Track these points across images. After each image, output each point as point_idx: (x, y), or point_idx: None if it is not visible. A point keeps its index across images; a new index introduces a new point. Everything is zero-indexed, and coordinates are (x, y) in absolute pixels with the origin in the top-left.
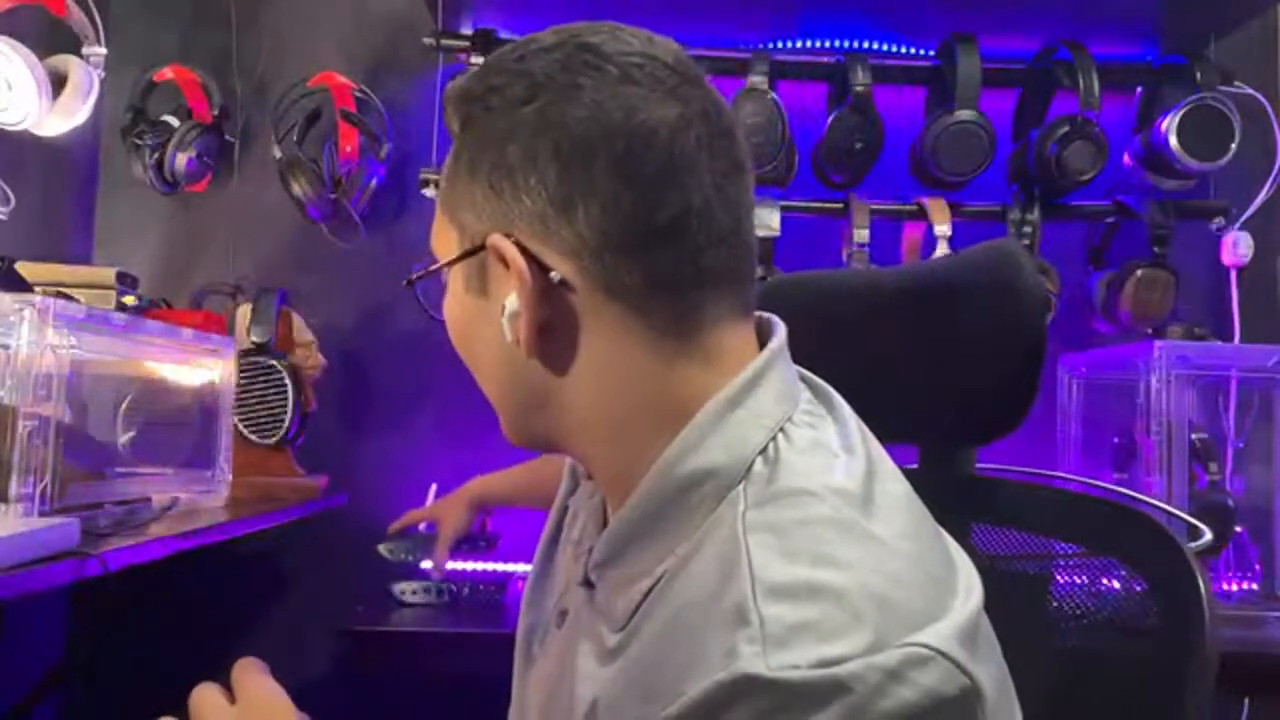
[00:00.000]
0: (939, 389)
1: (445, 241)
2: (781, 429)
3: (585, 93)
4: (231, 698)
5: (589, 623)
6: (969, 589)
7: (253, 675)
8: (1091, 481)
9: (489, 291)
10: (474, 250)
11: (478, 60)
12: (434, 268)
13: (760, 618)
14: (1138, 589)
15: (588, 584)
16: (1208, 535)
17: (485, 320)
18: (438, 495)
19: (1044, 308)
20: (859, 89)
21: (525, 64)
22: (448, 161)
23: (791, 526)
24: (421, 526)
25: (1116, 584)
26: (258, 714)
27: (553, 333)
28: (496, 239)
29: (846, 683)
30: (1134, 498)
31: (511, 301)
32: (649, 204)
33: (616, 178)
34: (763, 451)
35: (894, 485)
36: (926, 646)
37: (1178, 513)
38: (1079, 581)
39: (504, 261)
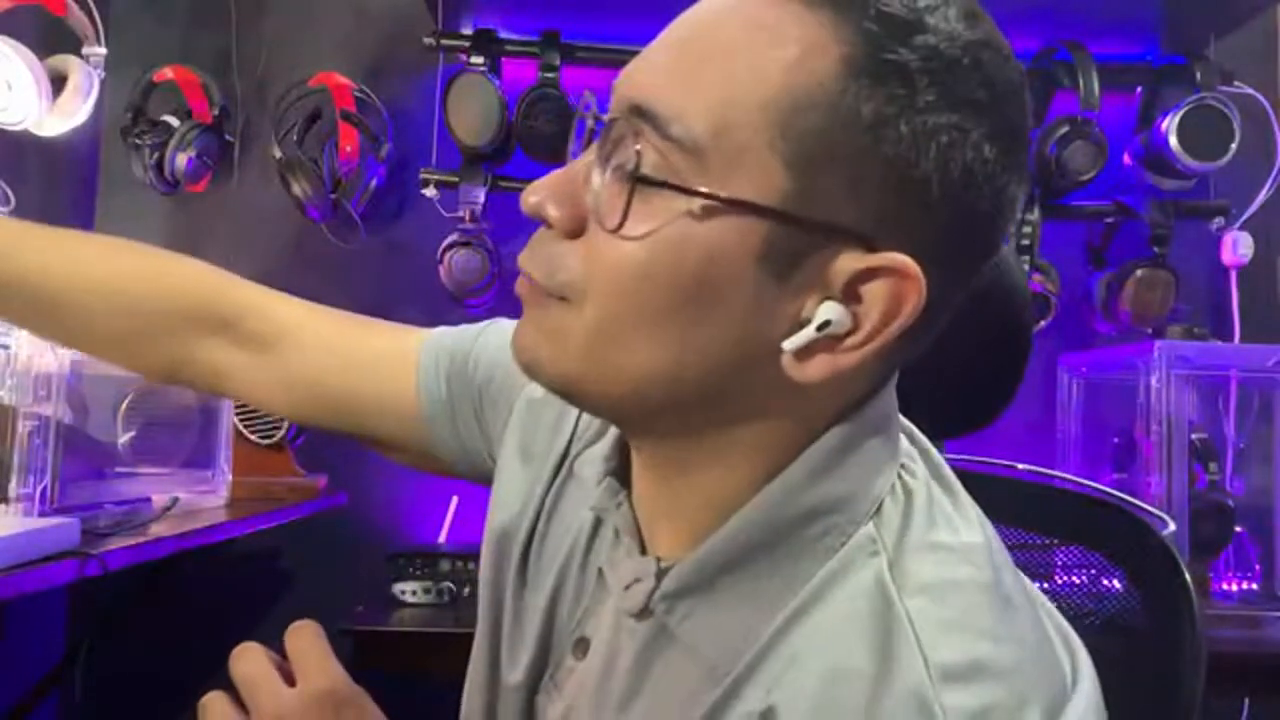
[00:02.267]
0: (913, 381)
1: (744, 165)
2: (903, 464)
3: (1011, 140)
4: (241, 707)
5: (662, 659)
6: (1067, 642)
7: (310, 645)
8: (1054, 473)
9: (790, 280)
10: (818, 227)
11: (478, 60)
12: (737, 197)
13: (943, 709)
14: (1117, 581)
15: (644, 614)
16: (1171, 526)
17: (754, 304)
18: (458, 508)
19: (1030, 306)
20: None
21: (979, 57)
22: (828, 86)
23: (945, 590)
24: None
25: (1094, 575)
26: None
27: None
28: (910, 266)
29: None
30: (1099, 489)
31: (835, 317)
32: (984, 265)
33: (989, 243)
34: (890, 489)
35: (994, 530)
36: None
37: (1140, 503)
38: (1054, 573)
39: (854, 278)
